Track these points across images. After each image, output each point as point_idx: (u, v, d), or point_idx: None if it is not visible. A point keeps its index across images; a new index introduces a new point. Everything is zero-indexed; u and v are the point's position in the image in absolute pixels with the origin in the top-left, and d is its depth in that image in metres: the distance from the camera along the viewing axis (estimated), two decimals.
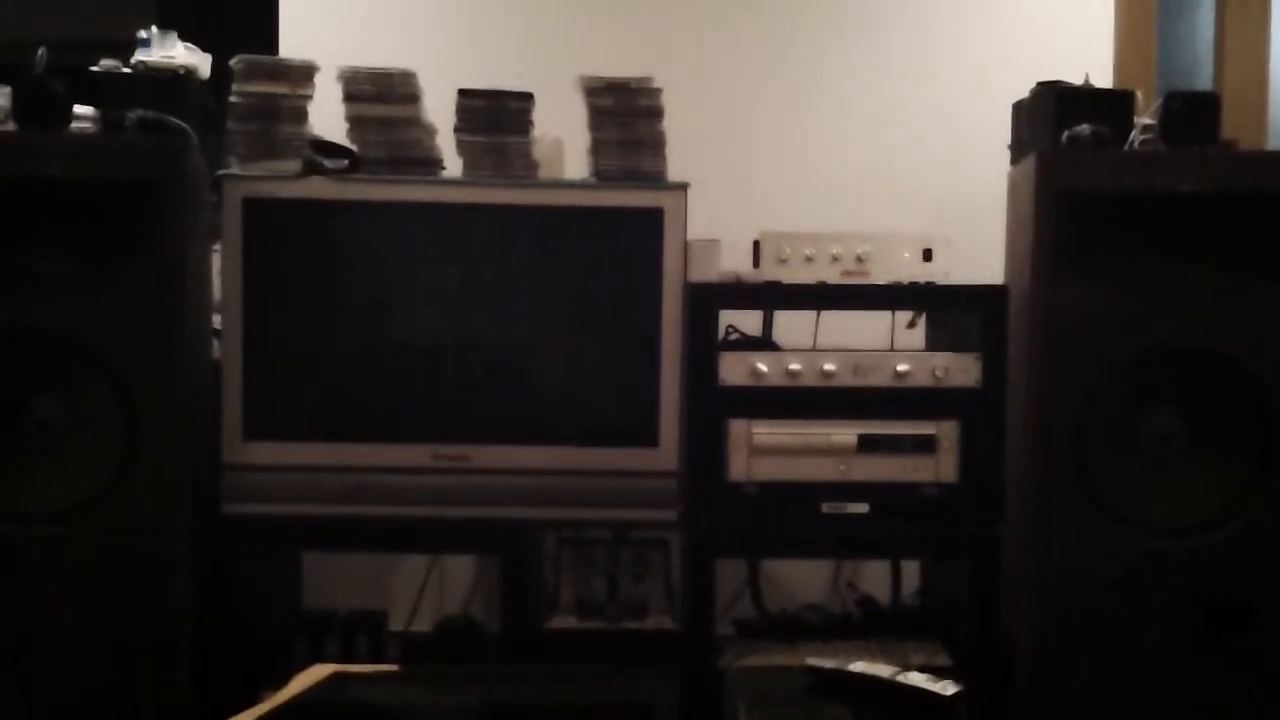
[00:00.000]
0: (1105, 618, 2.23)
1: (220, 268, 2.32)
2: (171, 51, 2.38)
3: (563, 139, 2.50)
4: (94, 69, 2.31)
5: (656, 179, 2.38)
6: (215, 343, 2.38)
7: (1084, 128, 2.28)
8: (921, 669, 2.09)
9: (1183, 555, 2.23)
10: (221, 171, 2.33)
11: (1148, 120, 2.34)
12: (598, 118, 2.38)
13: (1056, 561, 2.23)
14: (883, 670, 2.03)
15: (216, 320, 2.36)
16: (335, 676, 2.00)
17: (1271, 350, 2.21)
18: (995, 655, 2.32)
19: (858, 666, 2.06)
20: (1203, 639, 2.23)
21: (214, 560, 2.32)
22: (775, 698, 2.14)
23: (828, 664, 2.10)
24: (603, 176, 2.39)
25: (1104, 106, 2.35)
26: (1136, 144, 2.32)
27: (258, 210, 2.29)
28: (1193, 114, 2.29)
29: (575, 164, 2.48)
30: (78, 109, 2.26)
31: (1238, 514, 2.24)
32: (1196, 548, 2.23)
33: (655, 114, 2.39)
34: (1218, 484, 2.26)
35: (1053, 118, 2.33)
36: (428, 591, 2.81)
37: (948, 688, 1.92)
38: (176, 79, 2.34)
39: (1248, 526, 2.23)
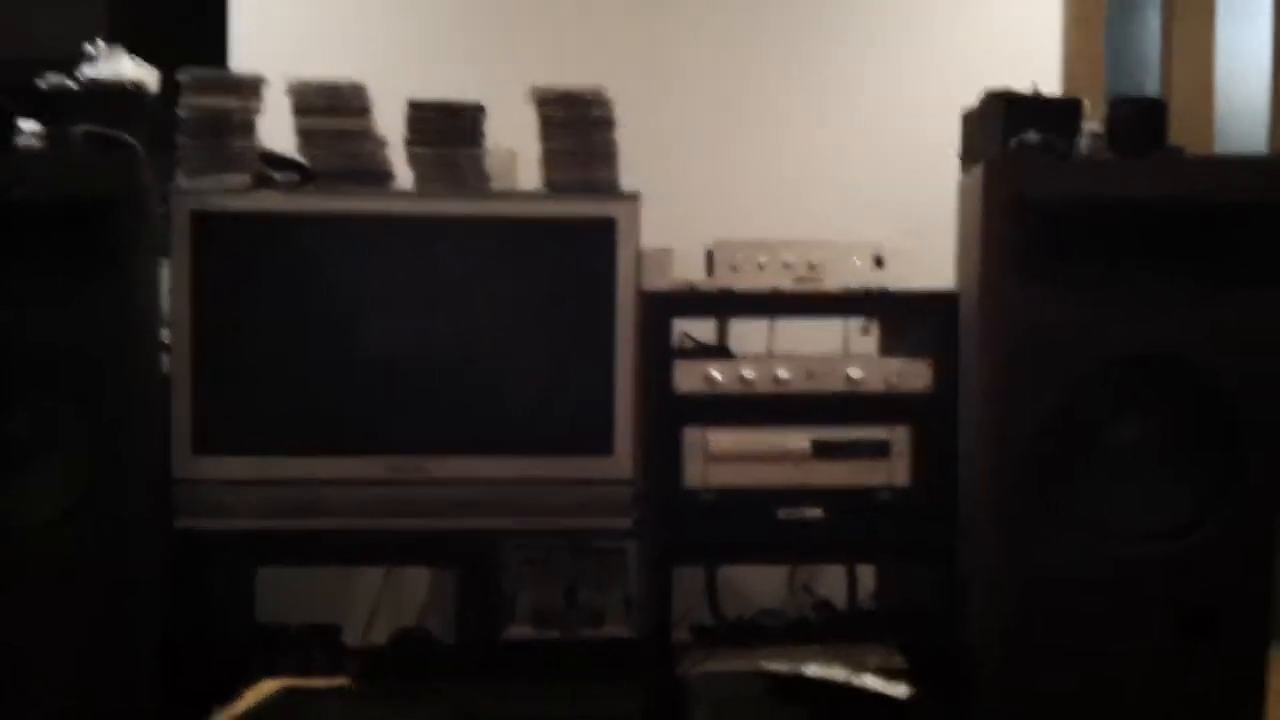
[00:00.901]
0: (1069, 623, 2.24)
1: (169, 282, 2.29)
2: (119, 66, 2.36)
3: (515, 150, 2.50)
4: (40, 84, 2.29)
5: (609, 189, 2.38)
6: (165, 357, 2.35)
7: (1031, 135, 2.30)
8: (877, 672, 2.11)
9: (1147, 562, 2.24)
10: (171, 186, 2.31)
11: (1095, 127, 2.36)
12: (549, 128, 2.38)
13: (1018, 568, 2.24)
14: (838, 674, 2.04)
15: (166, 335, 2.34)
16: (285, 692, 1.98)
17: (1230, 355, 2.22)
18: (951, 658, 2.33)
19: (813, 670, 2.08)
20: (1168, 645, 2.24)
21: (169, 577, 2.30)
22: (733, 703, 2.15)
23: (784, 668, 2.12)
24: (555, 187, 2.39)
25: (1052, 114, 2.37)
26: (1084, 151, 2.34)
27: (207, 224, 2.28)
28: (1139, 120, 2.31)
29: (528, 175, 2.48)
30: (24, 125, 2.24)
31: (1202, 520, 2.25)
32: (1161, 554, 2.24)
33: (607, 124, 2.39)
34: (1181, 490, 2.26)
35: (1001, 126, 2.35)
36: (383, 604, 2.80)
37: (901, 690, 1.94)
38: (124, 94, 2.32)
39: (1212, 532, 2.24)
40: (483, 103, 2.40)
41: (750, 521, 2.35)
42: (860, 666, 2.15)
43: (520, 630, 2.50)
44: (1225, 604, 2.24)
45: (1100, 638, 2.24)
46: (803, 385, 2.34)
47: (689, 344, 2.54)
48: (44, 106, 2.26)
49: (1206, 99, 3.22)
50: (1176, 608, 2.24)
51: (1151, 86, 3.23)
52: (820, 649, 2.37)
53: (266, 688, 1.98)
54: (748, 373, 2.34)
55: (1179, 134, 2.49)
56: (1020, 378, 2.22)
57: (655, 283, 2.40)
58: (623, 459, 2.32)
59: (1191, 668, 2.25)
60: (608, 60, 2.88)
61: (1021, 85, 2.46)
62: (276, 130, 2.40)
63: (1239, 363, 2.22)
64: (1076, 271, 2.24)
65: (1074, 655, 2.24)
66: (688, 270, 2.49)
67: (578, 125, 2.38)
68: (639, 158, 2.45)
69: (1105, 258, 2.25)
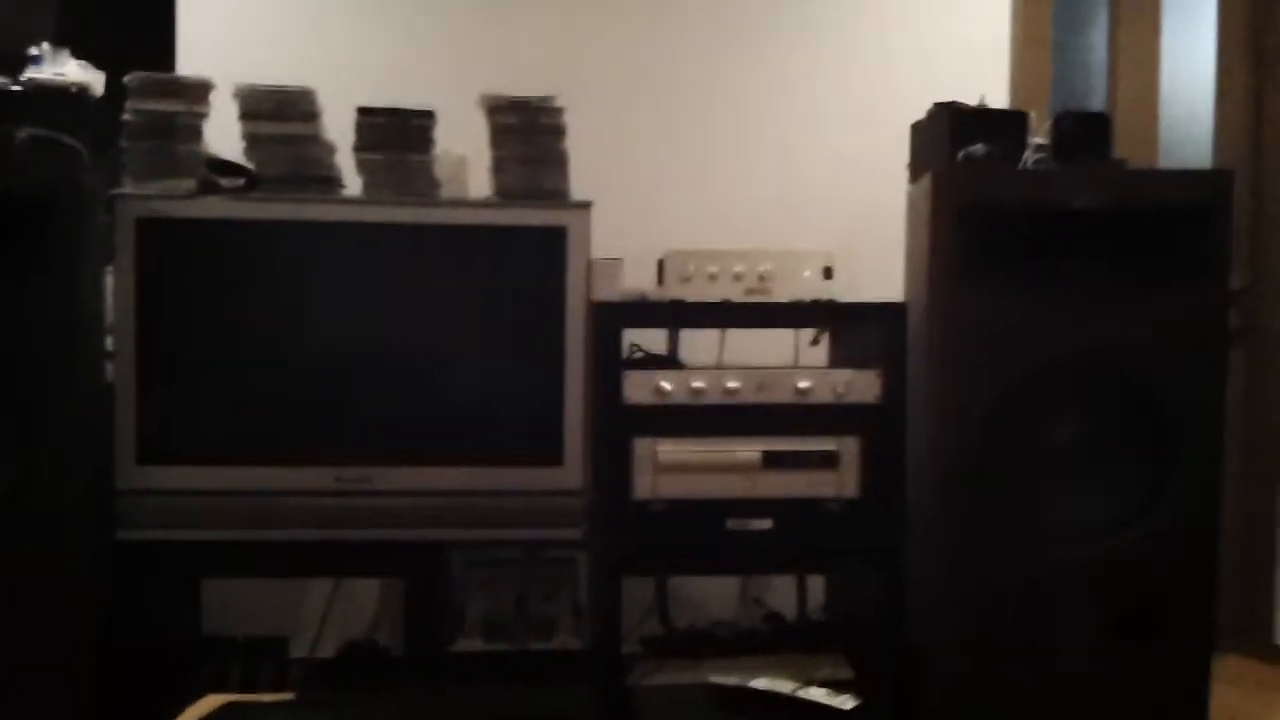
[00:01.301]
0: (1011, 626, 2.26)
1: (113, 288, 2.26)
2: (64, 68, 2.33)
3: (466, 156, 2.48)
4: None
5: (559, 197, 2.38)
6: (109, 366, 2.32)
7: (978, 146, 2.32)
8: (824, 683, 2.12)
9: (1087, 561, 2.27)
10: (115, 190, 2.28)
11: (1041, 139, 2.39)
12: (500, 135, 2.38)
13: (961, 572, 2.26)
14: (784, 686, 2.04)
15: (111, 343, 2.31)
16: (227, 707, 1.95)
17: (1165, 357, 2.26)
18: (899, 667, 2.34)
19: (760, 683, 2.08)
20: (1111, 645, 2.27)
21: (111, 588, 2.26)
22: (682, 716, 2.14)
23: (731, 681, 2.11)
24: (505, 195, 2.38)
25: (998, 126, 2.40)
26: (1030, 163, 2.37)
27: (151, 230, 2.25)
28: (1084, 133, 2.35)
29: (479, 181, 2.46)
30: None
31: (1139, 519, 2.28)
32: (1101, 555, 2.27)
33: (558, 132, 2.39)
34: (1119, 490, 2.29)
35: (949, 137, 2.38)
36: (332, 616, 2.77)
37: (847, 702, 1.95)
38: (69, 96, 2.29)
39: (1150, 531, 2.28)
40: (433, 109, 2.38)
41: (700, 532, 2.34)
42: (808, 678, 2.16)
43: (470, 642, 2.49)
44: (1166, 604, 2.28)
45: (1044, 640, 2.27)
46: (753, 396, 2.35)
47: (639, 354, 2.53)
48: None
49: (1151, 111, 3.27)
50: (1117, 607, 2.27)
51: (1097, 100, 3.28)
52: (770, 660, 2.37)
53: (208, 703, 1.95)
54: (698, 383, 2.34)
55: (1124, 146, 2.54)
56: (963, 382, 2.25)
57: (606, 292, 2.40)
58: (572, 469, 2.31)
59: (1136, 668, 2.28)
60: (559, 68, 2.86)
61: (970, 99, 2.48)
62: (223, 135, 2.37)
63: (1175, 364, 2.26)
64: (1019, 278, 2.26)
65: (1018, 658, 2.27)
66: (638, 280, 2.49)
67: (528, 133, 2.38)
68: (590, 166, 2.45)
69: (1047, 264, 2.28)
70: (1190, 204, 2.28)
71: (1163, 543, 2.27)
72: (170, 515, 2.26)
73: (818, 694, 1.98)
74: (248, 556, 2.32)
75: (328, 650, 2.69)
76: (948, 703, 2.28)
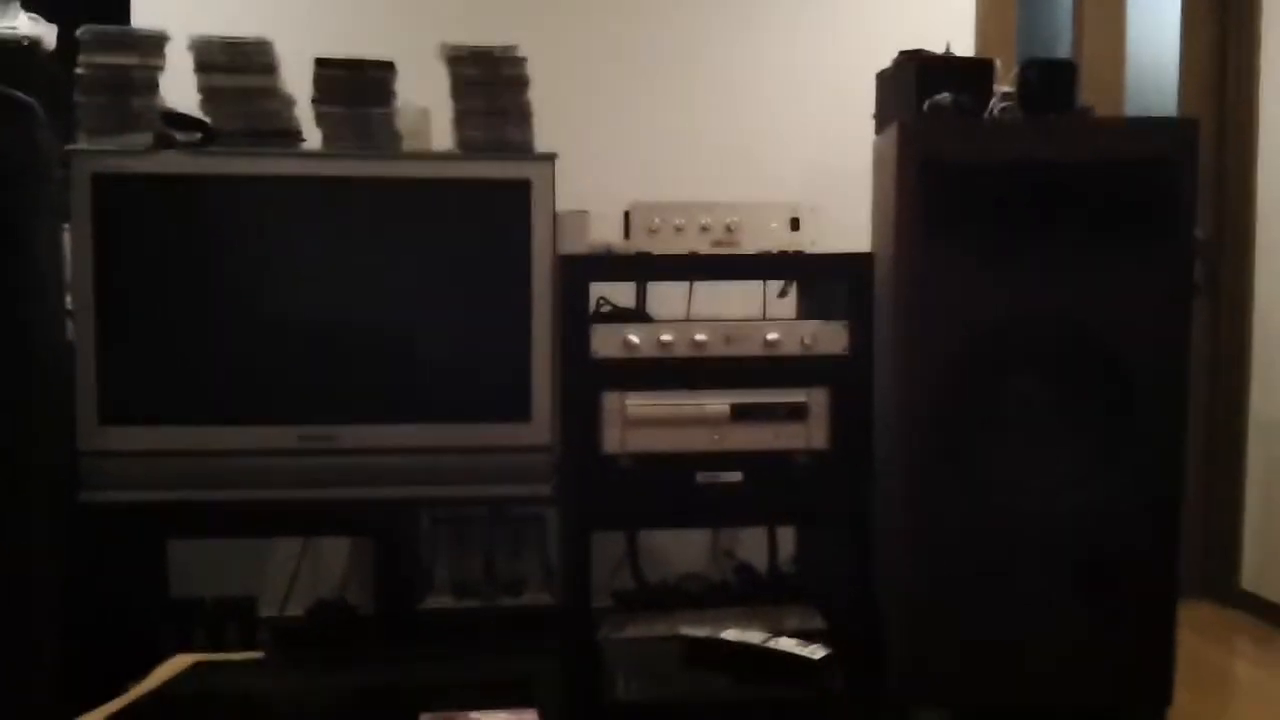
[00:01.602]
0: (976, 577, 2.28)
1: (70, 246, 2.22)
2: (14, 22, 2.28)
3: (429, 109, 2.45)
4: None
5: (523, 150, 2.35)
6: (70, 325, 2.29)
7: (944, 96, 2.31)
8: (795, 634, 2.12)
9: (1048, 516, 2.28)
10: (70, 147, 2.23)
11: (1007, 88, 2.38)
12: (461, 87, 2.34)
13: (927, 525, 2.27)
14: (754, 637, 2.05)
15: (70, 302, 2.27)
16: (197, 666, 1.94)
17: (1126, 315, 2.26)
18: (868, 617, 2.35)
19: (730, 634, 2.08)
20: (1069, 596, 2.29)
21: (74, 550, 2.24)
22: (652, 668, 2.15)
23: (701, 633, 2.12)
24: (468, 147, 2.35)
25: (964, 75, 2.39)
26: (996, 112, 2.36)
27: (108, 186, 2.21)
28: (1050, 81, 2.33)
29: (443, 134, 2.43)
30: None
31: (1102, 473, 2.29)
32: (1063, 507, 2.28)
33: (521, 83, 2.35)
34: (1082, 444, 2.31)
35: (915, 87, 2.36)
36: (301, 576, 2.76)
37: (816, 652, 1.95)
38: (20, 50, 2.25)
39: (1112, 484, 2.29)
40: (393, 60, 2.34)
41: (669, 486, 2.34)
42: (779, 629, 2.16)
43: (440, 599, 2.48)
44: (1128, 555, 2.29)
45: (1008, 592, 2.28)
46: (721, 349, 2.34)
47: (607, 308, 2.51)
48: None
49: (1117, 62, 3.26)
50: (1079, 560, 2.29)
51: (1063, 49, 3.27)
52: (741, 612, 2.39)
53: (178, 662, 1.93)
54: (666, 337, 2.33)
55: (1090, 97, 2.53)
56: (926, 336, 2.25)
57: (572, 246, 2.38)
58: (540, 425, 2.30)
59: (1099, 620, 2.31)
60: (522, 19, 2.83)
61: (935, 47, 2.47)
62: (179, 89, 2.33)
63: (1139, 316, 2.27)
64: (984, 230, 2.26)
65: (983, 609, 2.28)
66: (605, 233, 2.48)
67: (490, 84, 2.34)
68: (554, 118, 2.42)
69: (1012, 216, 2.28)
70: (1156, 154, 2.28)
71: (1125, 495, 2.29)
72: (133, 476, 2.23)
73: (788, 644, 1.99)
74: (213, 517, 2.30)
75: (297, 610, 2.68)
76: (913, 653, 2.29)
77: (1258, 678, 2.79)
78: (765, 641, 2.00)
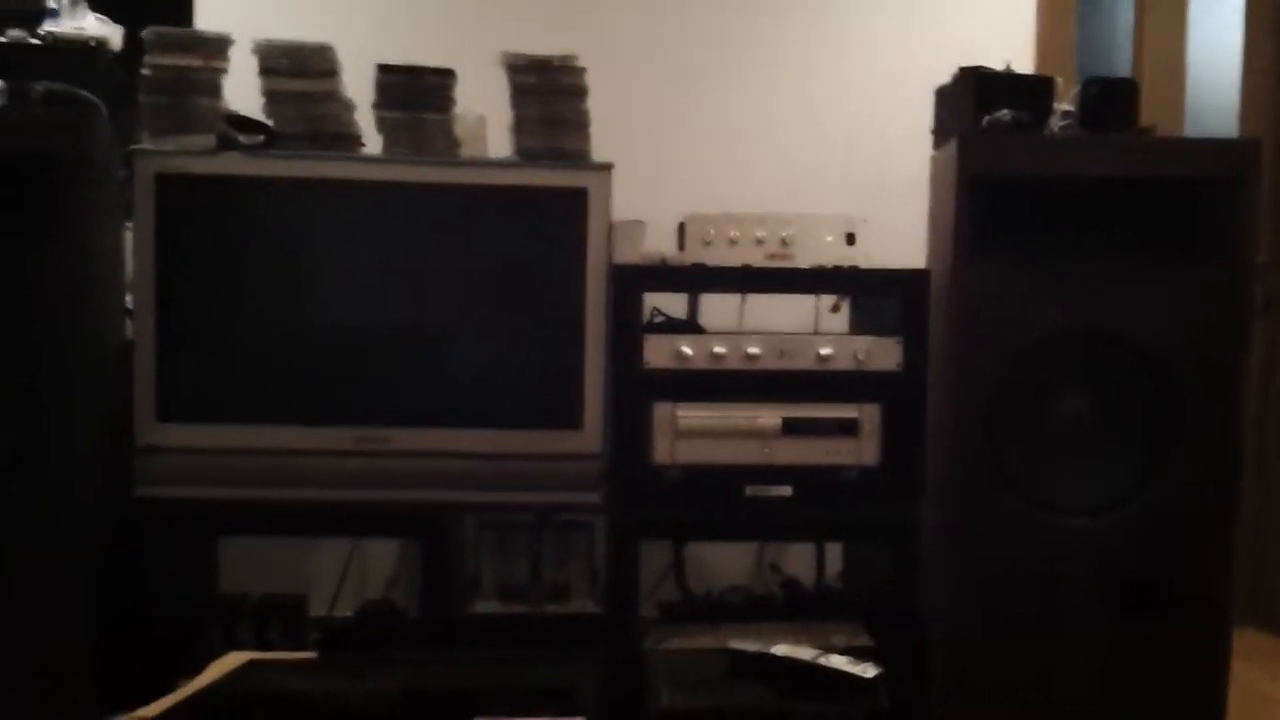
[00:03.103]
0: (1020, 596, 2.27)
1: (132, 245, 2.25)
2: (82, 22, 2.31)
3: (485, 115, 2.46)
4: (1, 40, 2.23)
5: (580, 158, 2.35)
6: (129, 322, 2.31)
7: (1004, 113, 2.30)
8: (843, 651, 2.11)
9: (1094, 534, 2.27)
10: (133, 146, 2.26)
11: (1067, 106, 2.37)
12: (520, 95, 2.35)
13: (972, 543, 2.26)
14: (805, 653, 2.04)
15: (130, 300, 2.30)
16: (251, 664, 1.95)
17: (1177, 333, 2.25)
18: (915, 636, 2.34)
19: (780, 649, 2.07)
20: (1116, 616, 2.27)
21: (127, 544, 2.26)
22: (698, 680, 2.14)
23: (750, 647, 2.11)
24: (525, 155, 2.36)
25: (1024, 92, 2.37)
26: (1056, 129, 2.35)
27: (171, 186, 2.23)
28: (1110, 100, 2.32)
29: (498, 141, 2.44)
30: None
31: (1143, 493, 2.28)
32: (1107, 526, 2.27)
33: (579, 92, 2.36)
34: (1127, 464, 2.29)
35: (974, 103, 2.35)
36: (350, 576, 2.77)
37: (868, 670, 1.94)
38: (87, 50, 2.28)
39: (1160, 504, 2.27)
40: (452, 68, 2.36)
41: (718, 498, 2.33)
42: (827, 645, 2.15)
43: (486, 604, 2.49)
44: (1177, 576, 2.27)
45: (1054, 611, 2.27)
46: (773, 362, 2.33)
47: (660, 318, 2.52)
48: (4, 63, 2.21)
49: (1177, 80, 3.23)
50: (1127, 581, 2.27)
51: (1123, 67, 3.24)
52: (787, 627, 2.37)
53: (231, 660, 1.95)
54: (718, 348, 2.32)
55: (1149, 115, 2.50)
56: (979, 351, 2.24)
57: (626, 255, 2.38)
58: (591, 433, 2.30)
59: (1147, 641, 2.28)
60: (581, 29, 2.85)
61: (994, 63, 2.46)
62: (242, 91, 2.35)
63: (1195, 337, 2.25)
64: (1042, 247, 2.26)
65: (1028, 629, 2.27)
66: (659, 243, 2.48)
67: (549, 93, 2.35)
68: (612, 128, 2.42)
69: (1070, 234, 2.28)
70: (1216, 174, 2.26)
71: (1175, 516, 2.27)
72: (189, 473, 2.25)
73: (839, 661, 1.98)
74: (265, 515, 2.32)
75: (344, 610, 2.69)
76: (957, 672, 2.28)
77: None
78: (816, 658, 2.00)
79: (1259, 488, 3.28)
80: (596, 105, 2.38)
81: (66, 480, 2.14)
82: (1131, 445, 2.29)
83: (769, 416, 2.33)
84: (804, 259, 2.39)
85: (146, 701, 1.79)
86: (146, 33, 2.30)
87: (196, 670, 1.95)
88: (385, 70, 2.33)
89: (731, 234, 2.38)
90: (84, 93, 2.19)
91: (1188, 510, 2.27)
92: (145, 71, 2.29)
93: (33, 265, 2.12)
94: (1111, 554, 2.26)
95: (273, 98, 2.34)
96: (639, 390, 2.32)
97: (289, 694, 1.94)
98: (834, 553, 2.80)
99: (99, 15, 2.33)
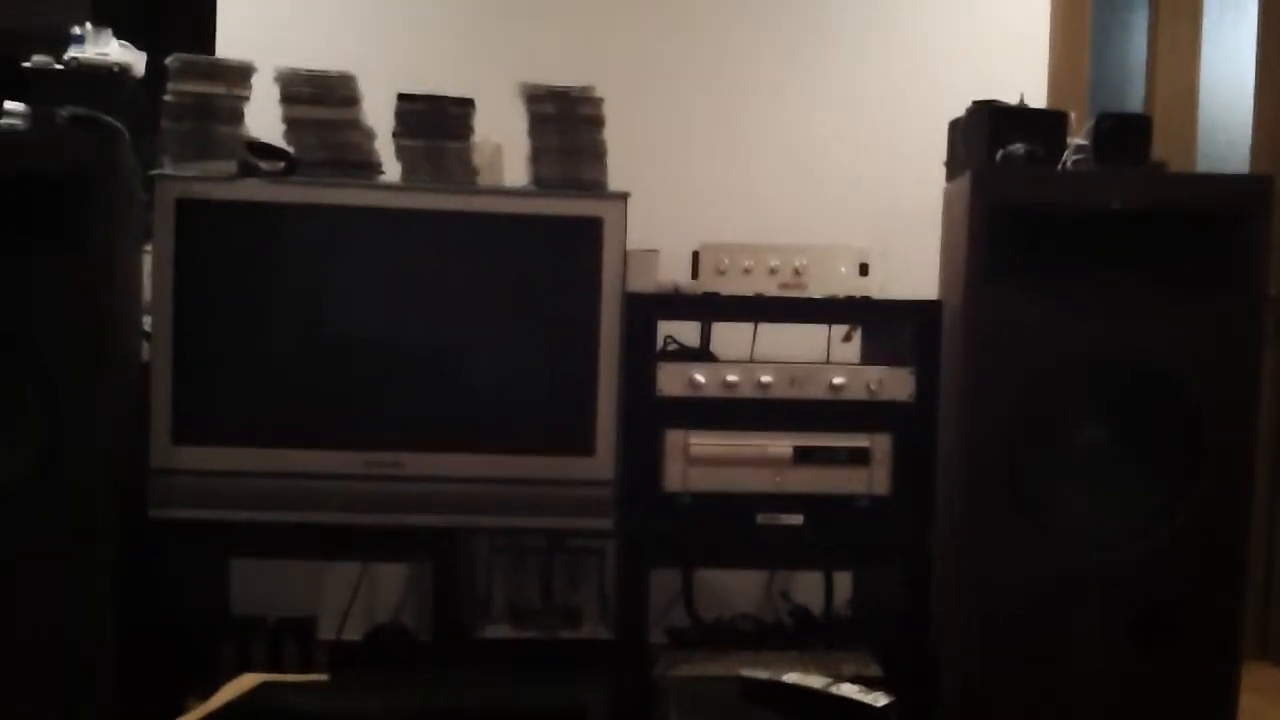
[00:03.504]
0: (1034, 627, 2.27)
1: (151, 269, 2.27)
2: (105, 48, 2.34)
3: (502, 144, 2.48)
4: (25, 64, 2.26)
5: (596, 188, 2.37)
6: (145, 345, 2.33)
7: (1018, 146, 2.31)
8: (853, 679, 2.11)
9: (1108, 566, 2.27)
10: (155, 171, 2.29)
11: (1080, 140, 2.38)
12: (538, 125, 2.38)
13: (986, 573, 2.26)
14: (815, 681, 2.04)
15: (147, 323, 2.32)
16: (264, 686, 1.96)
17: (1194, 362, 2.25)
18: (925, 666, 2.34)
19: (791, 677, 2.07)
20: (1129, 648, 2.27)
21: (140, 565, 2.28)
22: (708, 707, 2.14)
23: (761, 674, 2.11)
24: (542, 184, 2.38)
25: (1038, 126, 2.39)
26: (1070, 163, 2.36)
27: (191, 211, 2.26)
28: (1123, 134, 2.34)
29: (515, 170, 2.47)
30: (8, 105, 2.21)
31: (1163, 524, 2.28)
32: (1122, 558, 2.27)
33: (596, 123, 2.38)
34: (1144, 495, 2.29)
35: (988, 136, 2.36)
36: (359, 599, 2.78)
37: (879, 699, 1.94)
38: (110, 76, 2.30)
39: (1173, 536, 2.27)
40: (472, 97, 2.38)
41: (729, 525, 2.34)
42: (836, 674, 2.15)
43: (497, 628, 2.50)
44: (1189, 608, 2.27)
45: (1066, 642, 2.27)
46: (785, 391, 2.34)
47: (673, 346, 2.53)
48: (28, 87, 2.24)
49: (1189, 112, 3.25)
50: (1139, 611, 2.27)
51: (1135, 100, 3.26)
52: (796, 655, 2.38)
53: (245, 681, 1.96)
54: (731, 377, 2.34)
55: (1162, 146, 2.52)
56: (993, 382, 2.25)
57: (640, 284, 2.40)
58: (603, 460, 2.32)
59: (1158, 673, 2.28)
60: (598, 60, 2.87)
61: (1008, 97, 2.47)
62: (263, 118, 2.38)
63: (1206, 370, 2.25)
64: (1054, 279, 2.26)
65: (1039, 660, 2.26)
66: (673, 272, 2.49)
67: (567, 123, 2.38)
68: (628, 158, 2.45)
69: (1083, 267, 2.28)
70: (1228, 209, 2.28)
71: (1188, 547, 2.27)
72: (202, 495, 2.27)
73: (850, 690, 1.98)
74: (277, 537, 2.34)
75: (354, 633, 2.70)
76: (968, 702, 2.28)
77: None
78: (827, 687, 2.00)
79: (1271, 524, 3.27)
80: (612, 134, 2.40)
81: (84, 501, 2.15)
82: (1148, 476, 2.29)
83: (781, 445, 2.34)
84: (817, 289, 2.40)
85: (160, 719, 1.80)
86: (171, 60, 2.34)
87: (209, 691, 1.96)
88: (406, 99, 2.36)
89: (745, 263, 2.40)
90: (107, 117, 2.21)
91: (1202, 540, 2.26)
92: (168, 97, 2.32)
93: (53, 288, 2.14)
94: (1125, 584, 2.26)
95: (294, 125, 2.36)
96: (651, 417, 2.33)
97: (302, 715, 1.95)
98: (843, 581, 2.80)
99: (122, 41, 2.36)
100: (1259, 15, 3.28)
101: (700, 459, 2.33)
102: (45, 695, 2.15)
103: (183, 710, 1.93)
